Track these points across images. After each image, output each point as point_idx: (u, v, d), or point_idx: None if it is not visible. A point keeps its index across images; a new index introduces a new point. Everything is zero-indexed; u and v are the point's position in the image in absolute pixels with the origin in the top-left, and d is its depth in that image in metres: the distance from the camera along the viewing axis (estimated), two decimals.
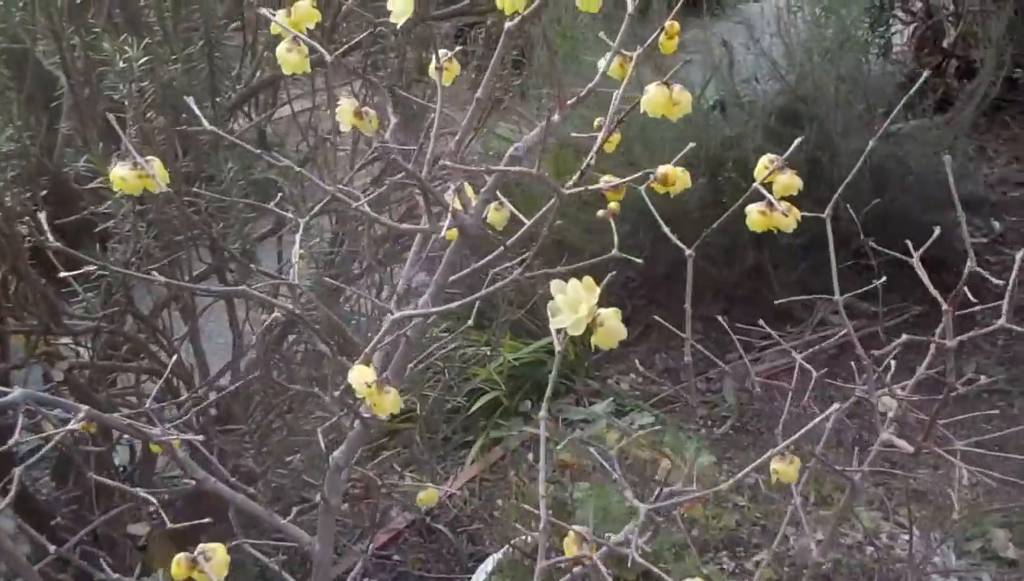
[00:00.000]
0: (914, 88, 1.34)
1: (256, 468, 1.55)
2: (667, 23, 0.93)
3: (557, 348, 0.76)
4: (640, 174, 0.78)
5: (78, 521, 1.62)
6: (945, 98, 4.10)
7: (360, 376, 0.78)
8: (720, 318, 3.12)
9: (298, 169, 0.91)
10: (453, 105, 2.61)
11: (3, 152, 1.41)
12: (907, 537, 2.07)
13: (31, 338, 1.44)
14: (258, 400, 1.79)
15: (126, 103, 1.26)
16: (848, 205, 3.02)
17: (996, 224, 3.47)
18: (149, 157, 0.86)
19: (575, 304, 0.70)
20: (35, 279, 1.37)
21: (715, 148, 3.11)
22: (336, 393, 0.86)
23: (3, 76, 1.51)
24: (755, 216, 0.84)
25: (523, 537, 2.00)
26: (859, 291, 1.68)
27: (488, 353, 2.42)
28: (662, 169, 0.79)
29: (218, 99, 1.55)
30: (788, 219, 0.82)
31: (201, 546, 0.81)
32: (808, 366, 1.37)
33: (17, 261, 1.31)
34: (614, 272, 0.73)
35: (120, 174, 0.86)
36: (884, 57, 4.07)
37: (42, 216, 0.93)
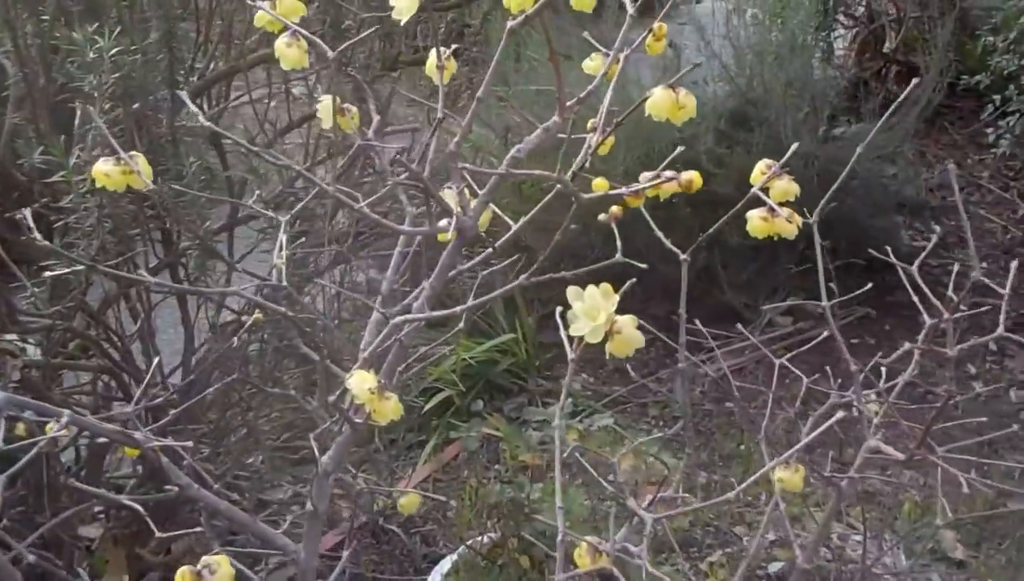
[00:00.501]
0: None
1: (213, 468, 1.51)
2: (655, 25, 0.92)
3: (571, 357, 0.74)
4: (663, 179, 0.77)
5: (25, 523, 1.57)
6: (886, 103, 4.19)
7: (361, 382, 0.76)
8: (669, 318, 3.16)
9: (298, 169, 0.88)
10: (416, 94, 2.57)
11: None
12: (858, 538, 2.10)
13: None
14: (212, 399, 1.75)
15: (95, 94, 1.21)
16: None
17: (937, 228, 3.56)
18: (133, 153, 0.83)
19: (593, 312, 0.69)
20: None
21: (665, 149, 3.12)
22: (331, 398, 0.84)
23: None
24: (757, 222, 0.84)
25: (479, 538, 1.99)
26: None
27: (446, 353, 2.40)
28: (686, 174, 0.78)
29: (176, 91, 1.50)
30: (791, 225, 0.82)
31: (204, 559, 0.78)
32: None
33: None
34: (633, 279, 0.72)
35: (104, 170, 0.83)
36: (827, 61, 4.15)
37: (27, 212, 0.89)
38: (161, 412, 1.78)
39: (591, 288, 0.70)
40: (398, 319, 0.81)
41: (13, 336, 1.66)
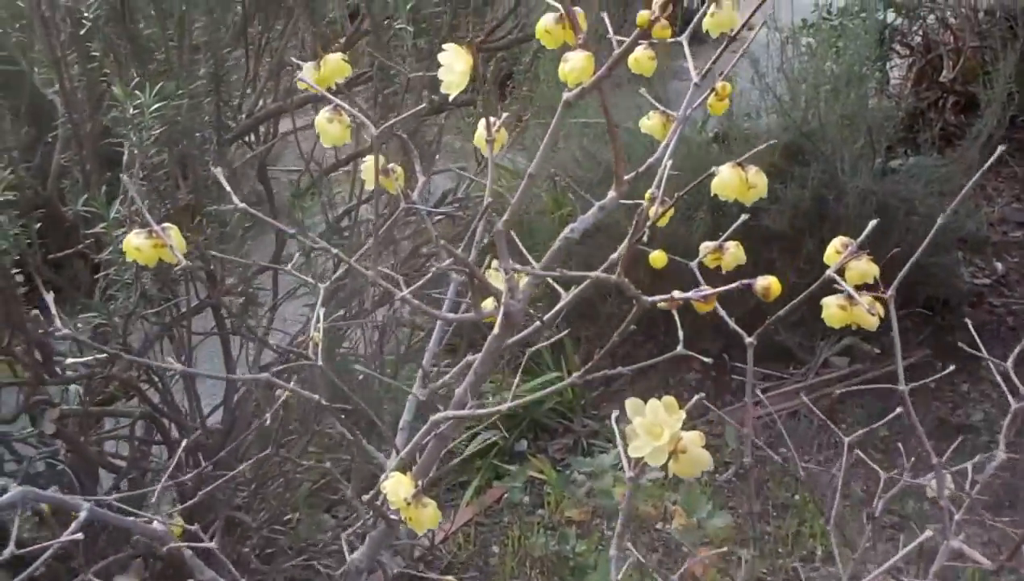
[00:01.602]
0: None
1: (250, 522, 1.47)
2: (718, 84, 0.87)
3: (628, 475, 0.67)
4: (737, 284, 0.71)
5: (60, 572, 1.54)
6: (943, 134, 4.08)
7: (397, 488, 0.71)
8: (720, 357, 3.08)
9: (334, 250, 0.84)
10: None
11: None
12: None
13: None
14: (251, 442, 1.72)
15: (134, 151, 1.19)
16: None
17: (998, 265, 3.44)
18: (166, 225, 0.80)
19: (655, 429, 0.64)
20: (30, 330, 1.29)
21: None
22: (366, 497, 0.79)
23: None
24: (834, 311, 0.77)
25: None
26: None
27: (491, 395, 2.35)
28: (762, 281, 0.73)
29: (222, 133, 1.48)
30: (872, 318, 0.75)
31: None
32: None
33: (11, 312, 1.23)
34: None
35: (135, 244, 0.79)
36: (882, 91, 4.06)
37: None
38: (201, 453, 1.75)
39: (653, 402, 0.65)
40: (437, 416, 0.76)
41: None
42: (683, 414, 0.65)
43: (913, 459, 1.29)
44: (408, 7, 1.35)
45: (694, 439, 0.66)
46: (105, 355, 1.43)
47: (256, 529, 1.48)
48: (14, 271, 1.38)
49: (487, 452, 2.55)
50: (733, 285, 0.72)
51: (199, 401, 1.69)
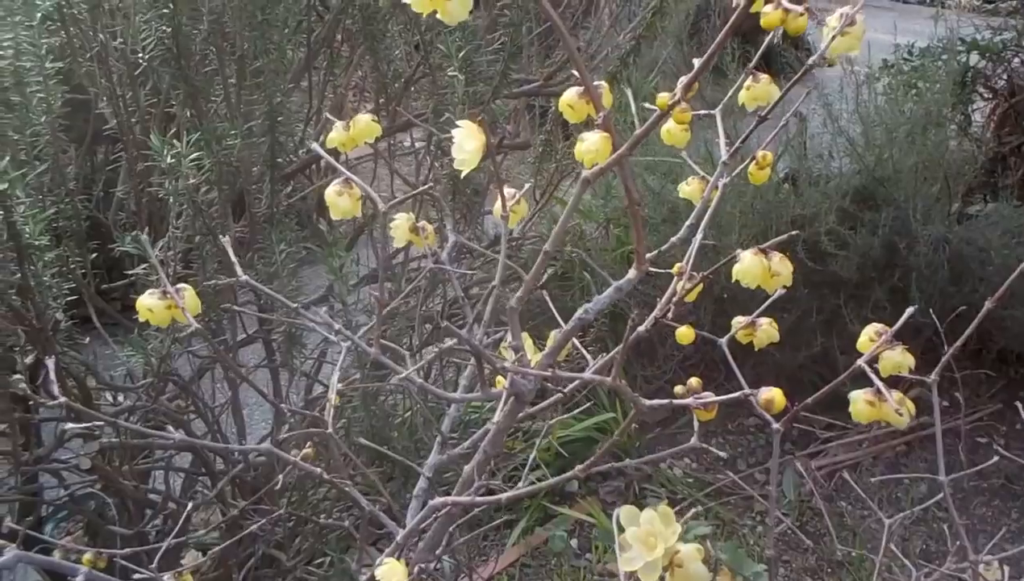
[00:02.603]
0: None
1: (285, 560, 1.47)
2: (759, 153, 0.84)
3: None
4: (738, 394, 0.69)
5: None
6: None
7: (389, 576, 0.69)
8: (799, 405, 3.01)
9: (336, 326, 0.83)
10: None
11: (54, 213, 1.37)
12: None
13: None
14: (292, 484, 1.72)
15: (171, 200, 1.20)
16: (922, 295, 2.88)
17: None
18: (180, 286, 0.80)
19: (650, 540, 0.61)
20: (72, 364, 1.31)
21: (785, 226, 2.99)
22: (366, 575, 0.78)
23: (61, 135, 1.46)
24: (861, 406, 0.73)
25: None
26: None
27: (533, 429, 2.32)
28: (765, 394, 0.69)
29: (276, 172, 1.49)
30: (901, 418, 0.71)
31: None
32: None
33: (48, 350, 1.25)
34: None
35: (148, 305, 0.79)
36: (964, 134, 3.94)
37: None
38: (244, 485, 1.76)
39: (648, 512, 0.62)
40: (436, 502, 0.74)
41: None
42: (679, 527, 0.62)
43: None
44: (461, 55, 1.34)
45: (692, 553, 0.63)
46: (151, 385, 1.45)
47: (290, 569, 1.47)
48: (68, 298, 1.41)
49: (536, 492, 2.52)
50: (735, 395, 0.69)
51: (245, 434, 1.70)
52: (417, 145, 1.84)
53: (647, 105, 0.72)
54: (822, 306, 2.93)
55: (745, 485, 2.50)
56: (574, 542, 2.41)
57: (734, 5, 0.58)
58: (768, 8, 0.60)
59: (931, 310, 2.61)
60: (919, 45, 3.96)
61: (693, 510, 2.33)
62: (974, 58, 4.00)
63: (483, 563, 2.29)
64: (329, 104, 1.94)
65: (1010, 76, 4.21)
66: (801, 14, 0.60)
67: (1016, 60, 4.19)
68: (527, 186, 0.82)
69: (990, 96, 4.29)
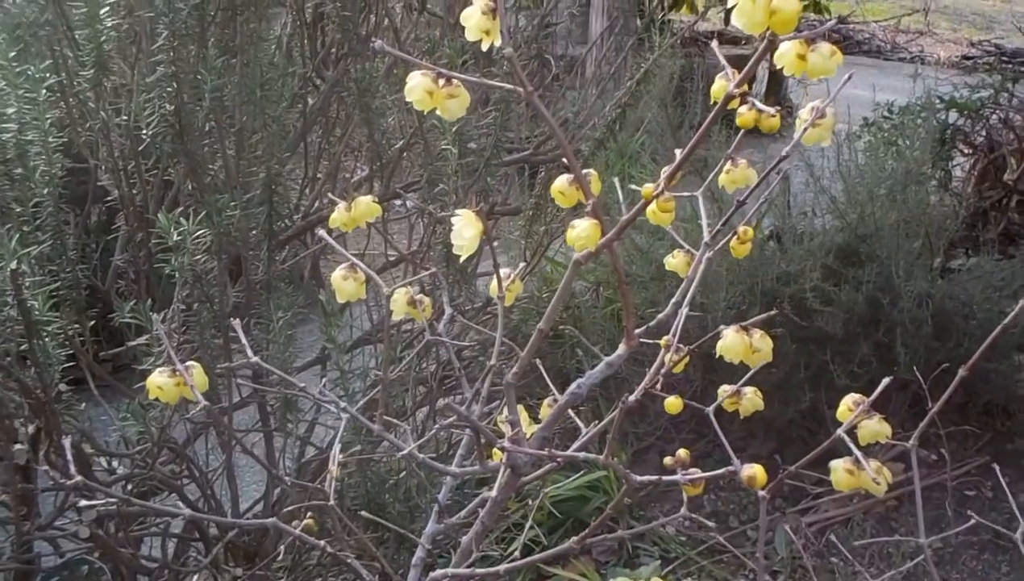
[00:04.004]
0: None
1: None
2: (740, 228, 0.88)
3: None
4: (723, 471, 0.72)
5: None
6: (1006, 233, 4.02)
7: None
8: (771, 458, 3.02)
9: (343, 405, 0.86)
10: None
11: (53, 283, 1.41)
12: None
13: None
14: (291, 542, 1.73)
15: (176, 276, 1.23)
16: (907, 350, 2.92)
17: None
18: (190, 363, 0.83)
19: None
20: (70, 432, 1.34)
21: (770, 283, 3.04)
22: None
23: (63, 206, 1.50)
24: (841, 475, 0.76)
25: None
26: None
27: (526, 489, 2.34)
28: (748, 471, 0.73)
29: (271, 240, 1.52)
30: (879, 486, 0.74)
31: None
32: None
33: (51, 423, 1.28)
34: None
35: (158, 383, 0.82)
36: (944, 189, 4.02)
37: None
38: (237, 550, 1.77)
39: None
40: (436, 575, 0.77)
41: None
42: None
43: None
44: (453, 129, 1.39)
45: None
46: (146, 451, 1.47)
47: None
48: (65, 365, 1.44)
49: (529, 551, 2.52)
50: (719, 471, 0.72)
51: (237, 499, 1.72)
52: (412, 211, 1.88)
53: (633, 186, 0.76)
54: (809, 361, 2.96)
55: (734, 549, 2.52)
56: None
57: (711, 103, 0.62)
58: (743, 109, 0.65)
59: (916, 365, 2.65)
60: (899, 102, 4.05)
61: (688, 579, 2.34)
62: (953, 115, 4.10)
63: None
64: (325, 170, 1.99)
65: (988, 132, 4.31)
66: (773, 116, 0.64)
67: (994, 117, 4.29)
68: (521, 266, 0.86)
69: (970, 152, 4.38)
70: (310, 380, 1.99)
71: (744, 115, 0.65)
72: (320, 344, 1.91)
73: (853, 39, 10.56)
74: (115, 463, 1.68)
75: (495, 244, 1.09)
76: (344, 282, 0.85)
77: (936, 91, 3.86)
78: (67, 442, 0.81)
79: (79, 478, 0.75)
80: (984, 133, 4.28)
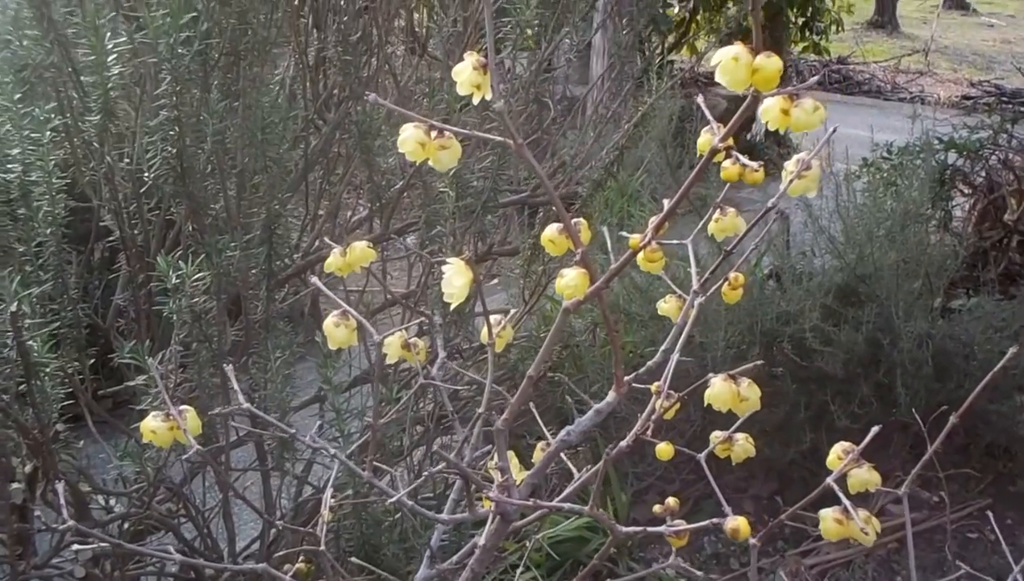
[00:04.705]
0: None
1: None
2: (731, 275, 0.89)
3: None
4: (707, 523, 0.73)
5: None
6: (1007, 273, 4.02)
7: None
8: (772, 499, 3.01)
9: (332, 450, 0.87)
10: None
11: (54, 322, 1.42)
12: None
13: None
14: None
15: (174, 318, 1.25)
16: (907, 391, 2.92)
17: None
18: (183, 408, 0.83)
19: None
20: (68, 477, 1.34)
21: (769, 322, 3.04)
22: None
23: (65, 246, 1.51)
24: (830, 524, 0.76)
25: None
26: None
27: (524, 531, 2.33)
28: (731, 523, 0.73)
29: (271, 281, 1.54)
30: (868, 536, 0.74)
31: None
32: None
33: (48, 463, 1.28)
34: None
35: (151, 427, 0.83)
36: (944, 229, 4.03)
37: None
38: None
39: None
40: None
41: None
42: None
43: None
44: (451, 172, 1.41)
45: None
46: (143, 490, 1.47)
47: None
48: (64, 403, 1.45)
49: None
50: (704, 523, 0.73)
51: (234, 538, 1.71)
52: (411, 251, 1.89)
53: (623, 234, 0.78)
54: (810, 402, 2.96)
55: None
56: None
57: (698, 155, 0.64)
58: (727, 163, 0.66)
59: (917, 406, 2.65)
60: (898, 143, 4.07)
61: None
62: (952, 155, 4.12)
63: None
64: (326, 209, 2.00)
65: (988, 173, 4.33)
66: (756, 170, 0.66)
67: (993, 158, 4.31)
68: (512, 312, 0.87)
69: (969, 192, 4.40)
70: (309, 417, 1.99)
71: (728, 169, 0.66)
72: (319, 382, 1.92)
73: (853, 79, 10.64)
74: (112, 501, 1.68)
75: (495, 281, 1.09)
76: (336, 329, 0.86)
77: (935, 132, 3.88)
78: (60, 486, 0.82)
79: (71, 522, 0.76)
80: (984, 173, 4.30)
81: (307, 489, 1.93)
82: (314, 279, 0.88)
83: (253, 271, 1.62)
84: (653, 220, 0.70)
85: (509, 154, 1.57)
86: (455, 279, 0.74)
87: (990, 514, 1.19)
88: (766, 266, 3.37)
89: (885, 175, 3.84)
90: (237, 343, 1.66)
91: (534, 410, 0.98)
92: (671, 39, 7.44)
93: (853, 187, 3.45)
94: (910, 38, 13.37)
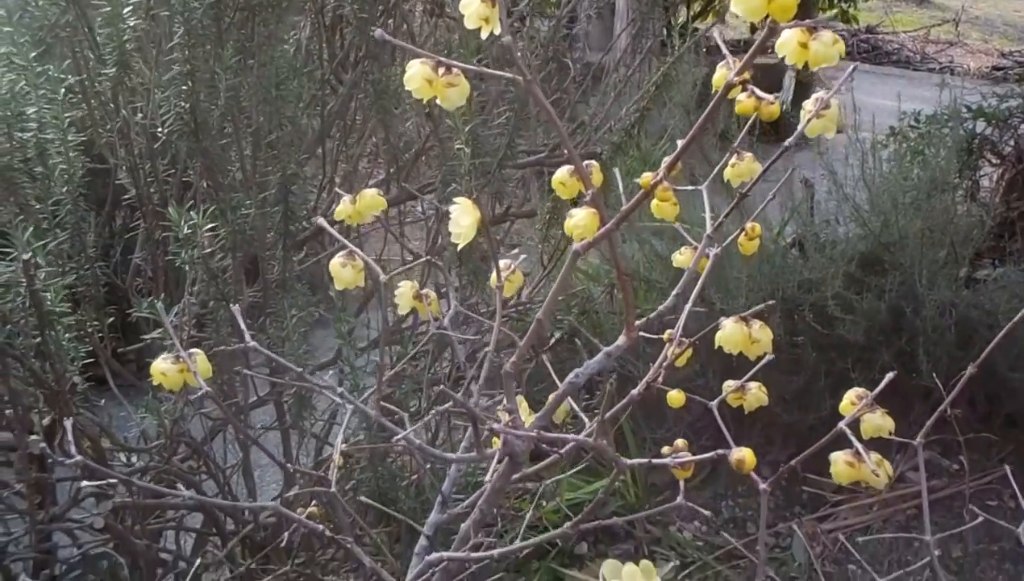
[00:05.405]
0: None
1: None
2: (748, 224, 0.88)
3: None
4: (712, 455, 0.72)
5: None
6: None
7: None
8: (793, 466, 3.01)
9: (339, 390, 0.87)
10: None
11: (71, 278, 1.43)
12: None
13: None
14: (300, 543, 1.74)
15: (187, 269, 1.25)
16: (929, 359, 2.89)
17: None
18: (193, 351, 0.83)
19: None
20: (87, 425, 1.35)
21: (791, 290, 3.01)
22: None
23: (82, 204, 1.52)
24: (841, 467, 0.76)
25: None
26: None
27: (542, 491, 2.34)
28: (737, 454, 0.73)
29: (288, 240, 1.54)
30: (879, 478, 0.74)
31: None
32: None
33: (65, 411, 1.29)
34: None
35: (161, 369, 0.83)
36: (972, 199, 3.97)
37: None
38: (254, 546, 1.78)
39: (630, 567, 0.65)
40: (432, 558, 0.77)
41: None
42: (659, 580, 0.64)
43: None
44: (467, 129, 1.40)
45: None
46: (163, 446, 1.48)
47: None
48: (85, 361, 1.46)
49: (545, 554, 2.52)
50: (708, 455, 0.72)
51: (255, 495, 1.73)
52: (428, 212, 1.89)
53: (636, 180, 0.77)
54: (830, 369, 2.94)
55: (746, 552, 2.50)
56: None
57: (714, 90, 0.62)
58: (742, 96, 0.65)
59: (939, 374, 2.62)
60: (925, 112, 4.01)
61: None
62: (980, 125, 4.05)
63: None
64: (343, 173, 2.00)
65: (1017, 142, 4.26)
66: (772, 103, 0.64)
67: (1023, 127, 4.24)
68: (522, 257, 0.86)
69: (997, 162, 4.33)
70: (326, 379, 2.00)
71: (743, 102, 0.65)
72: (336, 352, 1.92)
73: (882, 49, 10.49)
74: (134, 458, 1.69)
75: (516, 251, 1.09)
76: (342, 269, 0.85)
77: (964, 100, 3.82)
78: (68, 423, 0.82)
79: (79, 458, 0.76)
80: (1012, 143, 4.23)
81: (327, 451, 1.94)
82: (320, 220, 0.88)
83: (270, 234, 1.62)
84: (666, 159, 0.69)
85: (526, 112, 1.56)
86: (462, 218, 0.73)
87: (1009, 470, 1.18)
88: (789, 235, 3.34)
89: (912, 144, 3.78)
90: (255, 304, 1.66)
91: (552, 372, 0.97)
92: (696, 6, 7.36)
93: (879, 156, 3.41)
94: (940, 8, 13.16)
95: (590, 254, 3.10)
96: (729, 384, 0.86)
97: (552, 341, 2.18)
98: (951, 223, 3.24)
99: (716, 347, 0.81)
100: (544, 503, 2.54)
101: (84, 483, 0.81)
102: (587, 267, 3.04)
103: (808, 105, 0.69)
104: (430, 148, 1.70)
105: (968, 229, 3.40)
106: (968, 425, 3.07)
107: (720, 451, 0.72)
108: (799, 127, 0.69)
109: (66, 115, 1.42)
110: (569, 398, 0.90)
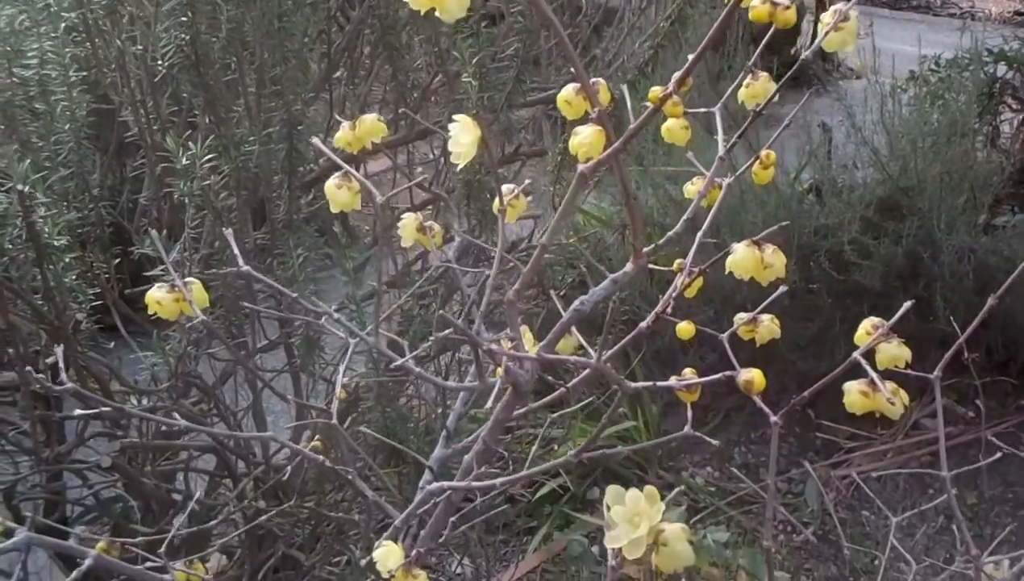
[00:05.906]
0: None
1: (304, 560, 1.49)
2: (763, 152, 0.85)
3: (611, 562, 0.65)
4: (719, 376, 0.69)
5: None
6: None
7: (386, 558, 0.71)
8: (804, 411, 2.98)
9: (348, 324, 0.85)
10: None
11: (79, 219, 1.41)
12: None
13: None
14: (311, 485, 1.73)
15: (186, 201, 1.23)
16: (947, 304, 2.86)
17: None
18: (189, 279, 0.82)
19: (635, 519, 0.62)
20: (93, 365, 1.34)
21: (807, 235, 2.98)
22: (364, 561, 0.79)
23: (86, 143, 1.50)
24: (855, 396, 0.73)
25: None
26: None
27: (555, 435, 2.33)
28: (745, 375, 0.70)
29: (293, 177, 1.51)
30: (894, 407, 0.71)
31: None
32: None
33: (71, 351, 1.28)
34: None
35: (156, 298, 0.81)
36: (992, 145, 3.90)
37: None
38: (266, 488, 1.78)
39: (633, 491, 0.63)
40: (433, 487, 0.75)
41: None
42: (663, 505, 0.63)
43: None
44: (474, 61, 1.36)
45: (676, 533, 0.64)
46: (172, 387, 1.47)
47: (310, 568, 1.49)
48: (94, 303, 1.44)
49: (557, 499, 2.53)
50: (716, 376, 0.70)
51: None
52: (436, 152, 1.86)
53: (645, 102, 0.74)
54: (845, 315, 2.91)
55: (759, 495, 2.50)
56: (595, 549, 2.41)
57: (725, 1, 0.59)
58: (756, 2, 0.61)
59: (956, 320, 2.59)
60: (946, 56, 3.93)
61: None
62: (1002, 69, 3.97)
63: (504, 568, 2.30)
64: (350, 113, 1.96)
65: None
66: (788, 7, 0.61)
67: None
68: (527, 181, 0.83)
69: (1018, 107, 4.25)
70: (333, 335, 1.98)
71: (757, 8, 0.62)
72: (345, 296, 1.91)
73: None
74: (144, 401, 1.69)
75: (529, 198, 1.06)
76: (337, 190, 0.83)
77: (984, 44, 3.74)
78: (59, 350, 0.81)
79: (70, 384, 0.75)
80: None
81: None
82: (315, 140, 0.85)
83: (276, 176, 1.59)
84: (676, 74, 0.66)
85: (537, 44, 1.52)
86: (462, 136, 0.71)
87: None
88: (806, 180, 3.29)
89: (932, 88, 3.71)
90: (263, 246, 1.64)
91: (555, 297, 0.95)
92: None
93: (899, 100, 3.35)
94: None
95: (602, 198, 3.06)
96: (741, 316, 0.84)
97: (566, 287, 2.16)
98: (970, 169, 3.19)
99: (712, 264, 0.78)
100: (556, 447, 2.54)
101: (77, 411, 0.80)
102: (599, 212, 3.01)
103: (826, 18, 0.66)
104: (438, 88, 1.67)
105: (987, 175, 3.34)
106: (985, 372, 3.05)
107: (728, 372, 0.69)
108: (817, 41, 0.66)
109: (67, 51, 1.39)
110: (576, 331, 0.88)
